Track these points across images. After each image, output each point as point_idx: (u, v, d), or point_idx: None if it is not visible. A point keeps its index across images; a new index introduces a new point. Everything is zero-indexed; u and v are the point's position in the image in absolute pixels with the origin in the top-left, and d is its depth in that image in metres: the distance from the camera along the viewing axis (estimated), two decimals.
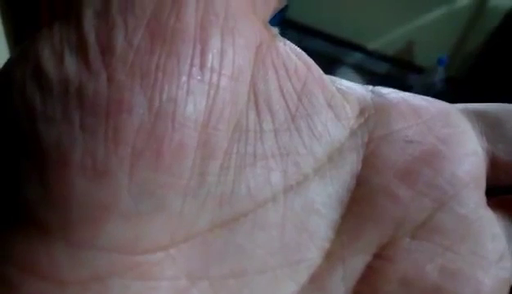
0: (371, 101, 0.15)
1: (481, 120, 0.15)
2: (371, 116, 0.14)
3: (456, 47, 1.50)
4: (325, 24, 1.58)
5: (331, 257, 0.13)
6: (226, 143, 0.12)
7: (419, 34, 1.52)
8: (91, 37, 0.10)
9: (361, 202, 0.14)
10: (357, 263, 0.13)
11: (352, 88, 0.15)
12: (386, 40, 1.57)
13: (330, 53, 1.58)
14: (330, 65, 1.56)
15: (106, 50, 0.10)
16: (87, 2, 0.11)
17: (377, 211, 0.13)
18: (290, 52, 0.14)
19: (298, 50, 0.14)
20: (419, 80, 1.48)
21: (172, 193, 0.11)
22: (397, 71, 1.59)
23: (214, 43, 0.11)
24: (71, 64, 0.10)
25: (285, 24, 1.54)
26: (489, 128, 0.15)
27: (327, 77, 0.14)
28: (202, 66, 0.11)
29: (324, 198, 0.13)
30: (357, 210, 0.14)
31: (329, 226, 0.13)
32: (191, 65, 0.11)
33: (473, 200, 0.14)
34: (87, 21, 0.11)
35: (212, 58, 0.11)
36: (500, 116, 0.15)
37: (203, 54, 0.11)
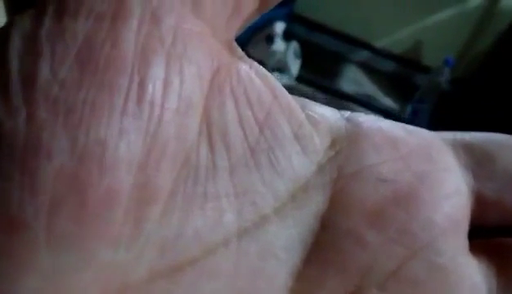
0: (345, 131, 0.13)
1: (468, 153, 0.14)
2: (343, 149, 0.13)
3: (464, 48, 1.48)
4: (333, 20, 1.56)
5: None
6: (170, 184, 0.11)
7: (427, 34, 1.51)
8: (14, 67, 0.09)
9: (325, 247, 0.12)
10: None
11: (325, 116, 0.13)
12: (394, 38, 1.56)
13: (337, 50, 1.57)
14: (335, 62, 1.55)
15: (28, 82, 0.09)
16: (16, 24, 0.10)
17: (342, 257, 0.12)
18: (255, 76, 0.12)
19: (265, 73, 0.13)
20: (426, 80, 1.46)
21: (99, 246, 0.10)
22: (404, 70, 1.57)
23: (156, 73, 0.10)
24: None
25: (292, 18, 1.52)
26: (477, 164, 0.13)
27: (297, 103, 0.13)
28: (140, 101, 0.10)
29: (284, 242, 0.12)
30: (320, 255, 0.12)
31: (289, 273, 0.12)
32: (126, 100, 0.10)
33: (452, 247, 0.12)
34: (13, 47, 0.09)
35: (152, 90, 0.10)
36: (491, 150, 0.13)
37: (141, 86, 0.10)
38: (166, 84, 0.10)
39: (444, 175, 0.13)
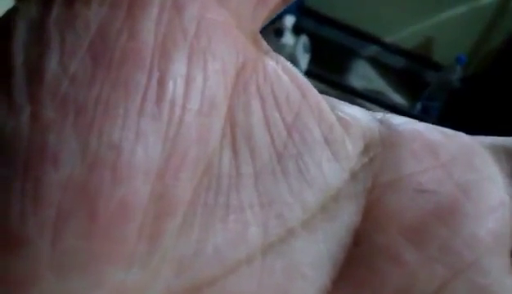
0: (379, 135, 0.12)
1: (511, 160, 0.12)
2: (378, 155, 0.12)
3: (476, 46, 1.46)
4: (343, 15, 1.54)
5: None
6: (190, 194, 0.09)
7: (438, 30, 1.48)
8: (18, 59, 0.08)
9: (358, 265, 0.11)
10: None
11: (357, 117, 0.12)
12: (404, 34, 1.54)
13: (346, 44, 1.55)
14: (345, 57, 1.53)
15: (34, 77, 0.08)
16: (21, 11, 0.09)
17: (377, 276, 0.11)
18: (282, 73, 0.11)
19: (293, 69, 0.12)
20: (437, 77, 1.44)
21: (111, 265, 0.08)
22: (414, 66, 1.55)
23: (178, 69, 0.09)
24: None
25: (302, 12, 1.50)
26: None
27: (327, 103, 0.12)
28: (159, 100, 0.09)
29: (312, 259, 0.11)
30: (352, 274, 0.11)
31: (317, 293, 0.11)
32: (144, 99, 0.08)
33: (497, 267, 0.11)
34: (18, 36, 0.08)
35: (173, 88, 0.09)
36: None
37: (161, 83, 0.09)
38: (188, 81, 0.09)
39: (488, 185, 0.12)
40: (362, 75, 1.51)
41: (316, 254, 0.11)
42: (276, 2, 0.11)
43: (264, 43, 0.12)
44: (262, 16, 0.11)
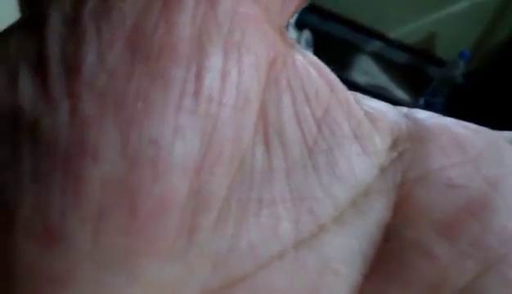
0: (406, 130, 0.12)
1: None
2: (406, 150, 0.12)
3: (479, 41, 1.45)
4: (346, 10, 1.54)
5: None
6: (225, 190, 0.09)
7: (441, 25, 1.48)
8: (54, 51, 0.08)
9: (388, 260, 0.11)
10: None
11: (383, 112, 0.12)
12: (407, 29, 1.53)
13: (349, 39, 1.55)
14: (348, 52, 1.52)
15: (72, 70, 0.08)
16: (54, 3, 0.09)
17: (408, 271, 0.11)
18: (311, 68, 0.11)
19: (320, 64, 0.12)
20: (440, 73, 1.44)
21: (149, 260, 0.08)
22: (417, 62, 1.55)
23: (214, 63, 0.09)
24: (27, 87, 0.08)
25: (305, 7, 1.50)
26: None
27: (353, 98, 0.12)
28: (197, 93, 0.08)
29: (343, 255, 0.11)
30: (383, 269, 0.11)
31: (349, 289, 0.11)
32: (183, 93, 0.08)
33: None
34: (53, 28, 0.08)
35: (210, 83, 0.09)
36: None
37: (199, 77, 0.09)
38: (224, 76, 0.09)
39: None
40: (365, 70, 1.51)
41: (347, 250, 0.11)
42: None
43: (290, 38, 0.12)
44: (290, 11, 0.11)
